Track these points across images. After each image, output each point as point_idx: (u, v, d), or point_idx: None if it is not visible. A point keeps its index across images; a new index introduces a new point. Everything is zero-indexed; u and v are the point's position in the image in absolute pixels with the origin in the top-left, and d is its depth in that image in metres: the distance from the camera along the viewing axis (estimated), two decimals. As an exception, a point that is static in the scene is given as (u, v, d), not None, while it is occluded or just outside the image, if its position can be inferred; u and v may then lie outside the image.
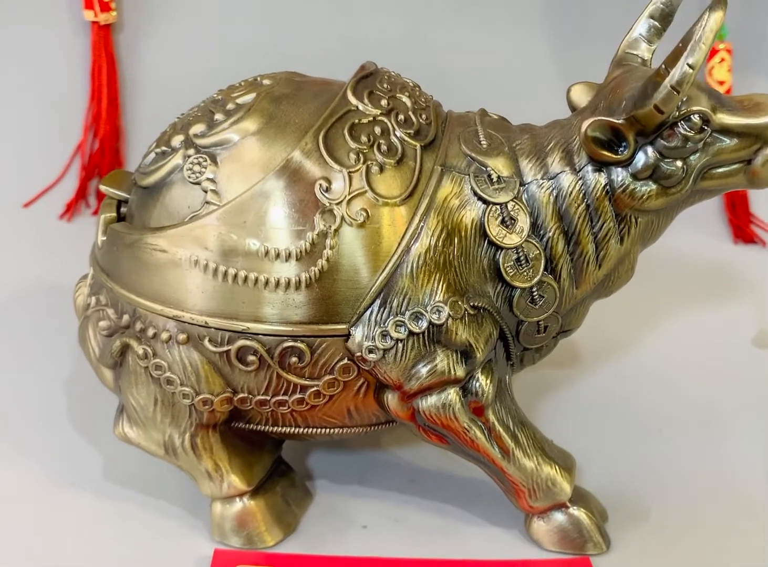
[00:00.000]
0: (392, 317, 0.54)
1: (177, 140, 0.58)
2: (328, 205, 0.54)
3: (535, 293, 0.57)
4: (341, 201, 0.54)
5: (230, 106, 0.58)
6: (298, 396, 0.56)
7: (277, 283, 0.53)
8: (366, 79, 0.58)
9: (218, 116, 0.57)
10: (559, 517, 0.60)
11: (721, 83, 1.05)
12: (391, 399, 0.56)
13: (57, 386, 0.76)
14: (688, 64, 0.51)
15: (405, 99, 0.58)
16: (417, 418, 0.57)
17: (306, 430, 0.58)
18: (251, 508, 0.60)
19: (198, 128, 0.57)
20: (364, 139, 0.55)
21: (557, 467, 0.59)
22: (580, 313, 0.61)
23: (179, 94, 1.02)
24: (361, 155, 0.55)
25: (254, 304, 0.54)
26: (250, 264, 0.53)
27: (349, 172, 0.54)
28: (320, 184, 0.54)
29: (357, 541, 0.61)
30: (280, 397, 0.56)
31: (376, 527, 0.62)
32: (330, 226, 0.53)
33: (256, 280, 0.53)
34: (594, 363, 0.79)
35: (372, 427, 0.59)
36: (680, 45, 0.52)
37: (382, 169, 0.55)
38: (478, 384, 0.56)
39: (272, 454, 0.62)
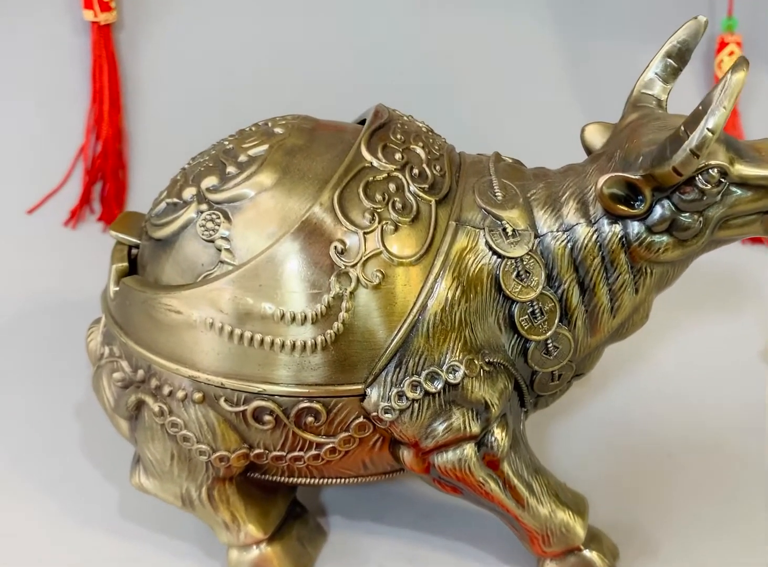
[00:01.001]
0: (408, 378, 0.54)
1: (189, 193, 0.57)
2: (343, 267, 0.53)
3: (550, 345, 0.57)
4: (357, 263, 0.53)
5: (242, 157, 0.57)
6: (314, 452, 0.56)
7: (293, 346, 0.53)
8: (379, 130, 0.58)
9: (230, 169, 0.57)
10: (572, 559, 0.61)
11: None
12: (407, 454, 0.57)
13: (67, 411, 0.76)
14: (708, 129, 0.50)
15: (419, 150, 0.58)
16: (432, 472, 0.57)
17: (321, 480, 0.59)
18: (268, 554, 0.61)
19: (210, 181, 0.57)
20: (378, 197, 0.55)
21: (571, 513, 0.59)
22: (594, 358, 0.61)
23: (181, 94, 1.02)
24: (376, 215, 0.54)
25: (270, 367, 0.54)
26: (265, 327, 0.53)
27: (365, 233, 0.54)
28: (335, 247, 0.53)
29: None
30: (296, 453, 0.56)
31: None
32: (345, 289, 0.53)
33: (272, 343, 0.53)
34: (602, 381, 0.79)
35: (386, 475, 0.60)
36: (700, 108, 0.51)
37: (397, 228, 0.54)
38: (493, 438, 0.56)
39: (287, 498, 0.62)
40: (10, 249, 0.95)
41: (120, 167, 1.01)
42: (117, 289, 0.59)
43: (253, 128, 0.60)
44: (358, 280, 0.53)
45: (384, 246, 0.54)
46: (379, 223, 0.54)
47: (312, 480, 0.59)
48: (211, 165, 0.58)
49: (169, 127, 1.02)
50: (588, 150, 0.61)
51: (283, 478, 0.59)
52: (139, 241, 0.61)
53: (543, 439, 0.61)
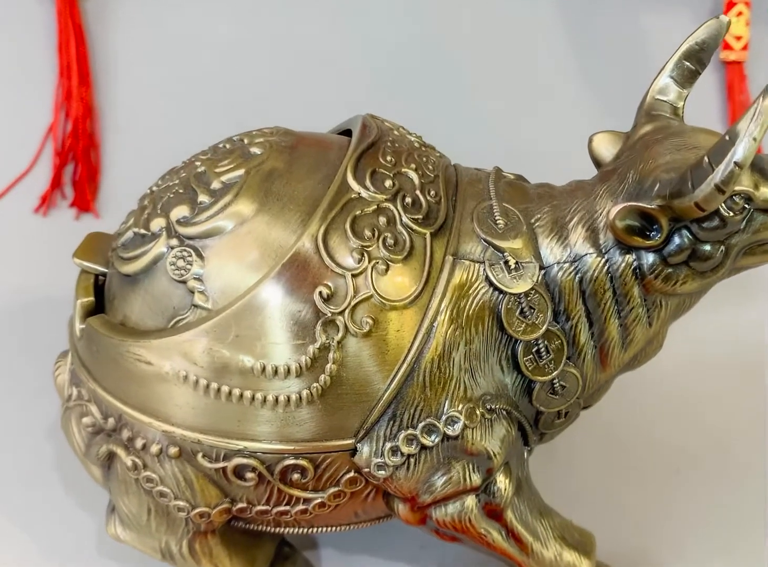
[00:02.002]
0: (403, 431, 0.49)
1: (157, 224, 0.52)
2: (329, 315, 0.48)
3: (556, 384, 0.52)
4: (344, 310, 0.48)
5: (215, 184, 0.51)
6: (301, 507, 0.52)
7: (276, 401, 0.49)
8: (368, 152, 0.52)
9: (203, 198, 0.51)
10: (578, 601, 0.57)
11: (739, 38, 0.98)
12: (402, 508, 0.53)
13: (39, 427, 0.72)
14: (735, 162, 0.45)
15: (411, 173, 0.52)
16: (429, 523, 0.53)
17: (310, 530, 0.55)
18: (256, 603, 0.57)
19: (180, 212, 0.51)
20: (368, 233, 0.49)
21: (577, 554, 0.56)
22: (603, 390, 0.56)
23: (154, 68, 0.95)
24: (365, 254, 0.49)
25: (251, 423, 0.49)
26: (244, 381, 0.48)
27: (353, 275, 0.49)
28: (320, 292, 0.48)
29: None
30: (281, 508, 0.52)
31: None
32: (332, 339, 0.48)
33: (253, 398, 0.49)
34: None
35: (380, 520, 0.56)
36: (726, 137, 0.46)
37: (388, 267, 0.49)
38: (496, 487, 0.52)
39: (274, 540, 0.59)
40: (-24, 239, 0.90)
41: (92, 147, 0.95)
42: (83, 327, 0.54)
43: (228, 146, 0.54)
44: (346, 328, 0.48)
45: (374, 289, 0.49)
46: (368, 262, 0.49)
47: (300, 530, 0.55)
48: (181, 191, 0.52)
49: (141, 103, 0.95)
50: (596, 162, 0.55)
51: (269, 528, 0.55)
52: (105, 270, 0.56)
53: (544, 459, 0.57)
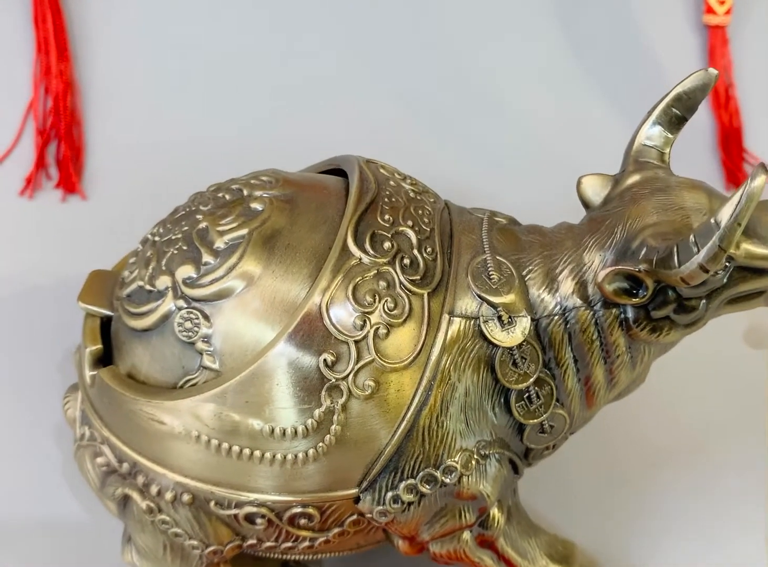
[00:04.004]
0: (403, 481, 0.53)
1: (163, 283, 0.53)
2: (333, 380, 0.51)
3: (545, 425, 0.55)
4: (348, 375, 0.51)
5: (219, 244, 0.53)
6: (307, 544, 0.56)
7: (284, 459, 0.52)
8: (366, 213, 0.53)
9: (207, 259, 0.53)
10: (562, 606, 0.62)
11: (722, 2, 0.98)
12: (401, 543, 0.56)
13: (45, 430, 0.74)
14: (719, 246, 0.47)
15: (408, 231, 0.54)
16: (425, 554, 0.57)
17: (314, 557, 0.59)
18: (265, 619, 0.61)
19: (186, 271, 0.53)
20: (368, 299, 0.51)
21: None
22: (587, 420, 0.60)
23: (135, 40, 0.94)
24: (366, 320, 0.51)
25: (261, 478, 0.52)
26: (253, 442, 0.51)
27: (356, 341, 0.51)
28: (325, 359, 0.51)
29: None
30: (289, 544, 0.56)
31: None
32: (337, 402, 0.51)
33: (262, 456, 0.52)
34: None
35: (380, 544, 0.60)
36: (712, 221, 0.48)
37: (389, 331, 0.51)
38: (489, 520, 0.56)
39: (279, 560, 0.63)
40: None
41: (75, 125, 0.94)
42: (93, 373, 0.56)
43: (228, 196, 0.56)
44: (349, 391, 0.51)
45: (376, 353, 0.51)
46: (370, 327, 0.51)
47: (305, 557, 0.59)
48: (185, 248, 0.54)
49: (123, 77, 0.94)
50: (584, 203, 0.57)
51: (275, 557, 0.59)
52: (110, 313, 0.58)
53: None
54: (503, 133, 0.91)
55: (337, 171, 0.59)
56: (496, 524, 0.56)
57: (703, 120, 0.96)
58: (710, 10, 0.97)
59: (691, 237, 0.48)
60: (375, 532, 0.56)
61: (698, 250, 0.48)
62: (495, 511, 0.56)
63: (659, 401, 0.76)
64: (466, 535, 0.56)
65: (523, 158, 0.90)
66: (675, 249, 0.49)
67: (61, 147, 0.93)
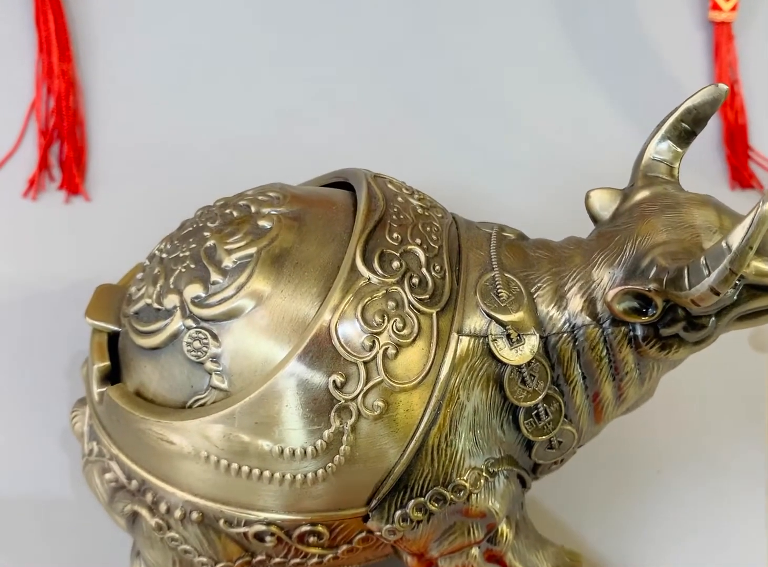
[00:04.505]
0: (412, 500, 0.53)
1: (171, 302, 0.53)
2: (343, 401, 0.51)
3: (554, 441, 0.56)
4: (357, 396, 0.51)
5: (227, 263, 0.53)
6: (316, 560, 0.56)
7: (293, 479, 0.52)
8: (374, 231, 0.53)
9: (215, 278, 0.52)
10: (568, 616, 0.62)
11: None
12: (410, 560, 0.57)
13: (51, 441, 0.74)
14: (730, 269, 0.47)
15: (417, 250, 0.53)
16: (435, 568, 0.58)
17: (323, 570, 0.59)
18: (274, 629, 0.62)
19: (194, 291, 0.53)
20: (377, 319, 0.51)
21: None
22: (595, 434, 0.60)
23: (138, 39, 0.94)
24: (375, 341, 0.51)
25: (270, 497, 0.52)
26: (263, 463, 0.51)
27: (365, 362, 0.51)
28: (334, 381, 0.51)
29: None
30: (298, 560, 0.56)
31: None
32: (346, 423, 0.51)
33: (271, 476, 0.52)
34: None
35: (389, 557, 0.60)
36: (723, 244, 0.47)
37: (397, 352, 0.51)
38: (497, 535, 0.56)
39: None
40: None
41: (77, 125, 0.94)
42: (102, 390, 0.56)
43: (235, 213, 0.55)
44: (359, 412, 0.51)
45: (385, 374, 0.51)
46: (379, 348, 0.51)
47: (314, 571, 0.59)
48: (192, 267, 0.54)
49: (126, 77, 0.94)
50: (593, 218, 0.57)
51: (285, 569, 0.59)
52: (118, 329, 0.58)
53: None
54: (506, 135, 0.90)
55: (343, 184, 0.59)
56: (504, 539, 0.57)
57: (707, 117, 0.95)
58: (716, 7, 0.96)
59: (702, 259, 0.48)
60: (383, 548, 0.57)
61: (709, 273, 0.48)
62: (503, 527, 0.56)
63: (663, 406, 0.76)
64: (475, 551, 0.56)
65: (527, 160, 0.90)
66: (686, 271, 0.49)
67: (64, 148, 0.93)
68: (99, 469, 0.57)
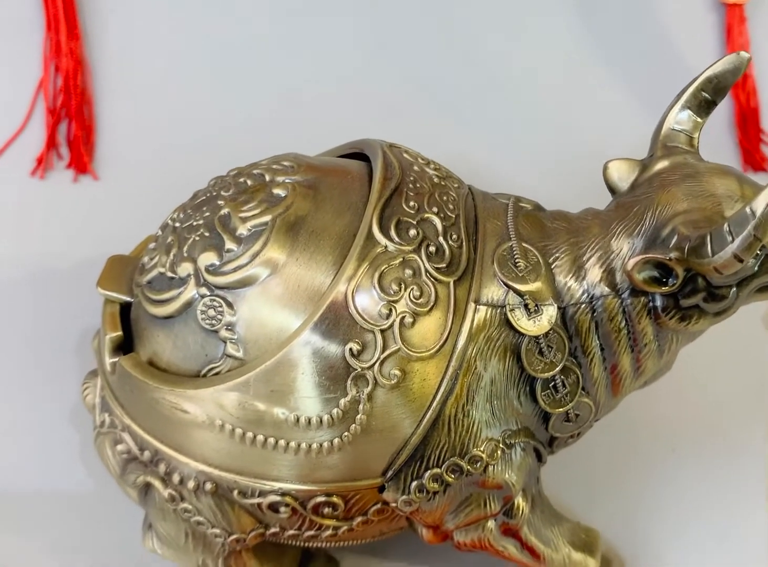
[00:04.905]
0: (429, 471, 0.52)
1: (185, 270, 0.52)
2: (359, 370, 0.50)
3: (571, 413, 0.55)
4: (374, 364, 0.50)
5: (241, 230, 0.52)
6: (330, 532, 0.55)
7: (309, 448, 0.51)
8: (391, 199, 0.52)
9: (230, 245, 0.52)
10: (584, 593, 0.62)
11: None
12: (425, 532, 0.56)
13: (61, 416, 0.73)
14: (754, 235, 0.46)
15: (434, 218, 0.53)
16: (449, 542, 0.57)
17: (336, 544, 0.58)
18: (286, 605, 0.61)
19: (208, 259, 0.52)
20: (394, 287, 0.51)
21: (584, 555, 0.60)
22: (612, 408, 0.59)
23: (145, 16, 0.93)
24: (392, 309, 0.50)
25: (285, 467, 0.52)
26: (278, 431, 0.51)
27: (381, 330, 0.50)
28: (351, 349, 0.50)
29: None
30: (312, 532, 0.55)
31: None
32: (363, 391, 0.50)
33: (287, 445, 0.51)
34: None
35: (401, 530, 0.60)
36: (747, 210, 0.47)
37: (414, 320, 0.51)
38: (513, 508, 0.56)
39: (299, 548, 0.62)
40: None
41: (85, 104, 0.93)
42: (114, 360, 0.55)
43: (249, 182, 0.55)
44: (375, 381, 0.50)
45: (401, 343, 0.50)
46: (395, 316, 0.50)
47: (326, 545, 0.58)
48: (207, 235, 0.53)
49: (134, 55, 0.93)
50: (611, 189, 0.56)
51: (297, 544, 0.58)
52: (130, 299, 0.57)
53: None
54: (517, 116, 0.90)
55: (358, 156, 0.58)
56: (520, 513, 0.56)
57: (720, 100, 0.95)
58: (725, -12, 0.95)
59: (725, 226, 0.47)
60: (398, 520, 0.56)
61: (732, 239, 0.47)
62: (519, 500, 0.56)
63: (679, 386, 0.75)
64: (491, 523, 0.56)
65: (540, 142, 0.89)
66: (708, 238, 0.48)
67: (72, 126, 0.92)
68: (111, 441, 0.57)
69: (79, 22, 0.91)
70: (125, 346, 0.56)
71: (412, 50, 0.89)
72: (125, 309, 0.58)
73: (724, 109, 0.96)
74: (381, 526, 0.56)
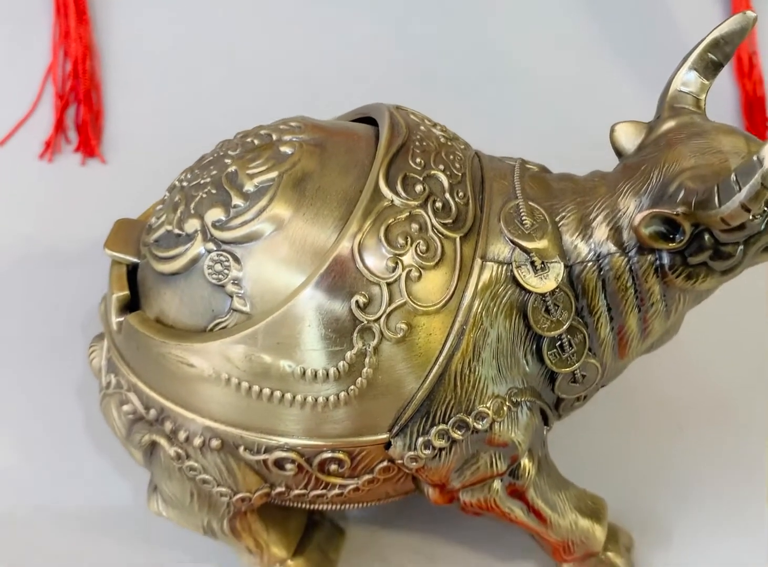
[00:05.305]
0: (435, 427, 0.52)
1: (191, 226, 0.53)
2: (366, 322, 0.50)
3: (577, 374, 0.55)
4: (380, 317, 0.50)
5: (248, 187, 0.52)
6: (337, 491, 0.55)
7: (315, 402, 0.51)
8: (397, 155, 0.53)
9: (237, 201, 0.52)
10: (591, 561, 0.61)
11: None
12: (431, 492, 0.56)
13: (68, 390, 0.74)
14: (762, 184, 0.46)
15: (441, 175, 0.53)
16: (455, 503, 0.57)
17: (342, 507, 0.58)
18: (291, 571, 0.61)
19: (215, 215, 0.52)
20: (401, 241, 0.51)
21: (590, 521, 0.60)
22: (619, 373, 0.59)
23: (154, 3, 0.93)
24: (398, 262, 0.50)
25: (291, 421, 0.52)
26: (284, 384, 0.51)
27: (388, 283, 0.50)
28: (357, 301, 0.50)
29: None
30: (318, 492, 0.55)
31: (411, 567, 0.64)
32: (369, 345, 0.50)
33: (293, 399, 0.51)
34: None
35: (407, 494, 0.59)
36: (755, 158, 0.47)
37: (421, 274, 0.51)
38: (519, 469, 0.56)
39: (304, 510, 0.62)
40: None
41: (93, 88, 0.94)
42: (120, 320, 0.55)
43: (256, 141, 0.55)
44: (381, 334, 0.50)
45: (408, 296, 0.50)
46: (402, 270, 0.50)
47: (332, 507, 0.58)
48: (214, 192, 0.53)
49: (142, 41, 0.94)
50: (618, 152, 0.56)
51: (303, 506, 0.58)
52: (137, 260, 0.57)
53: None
54: (519, 106, 0.90)
55: (365, 122, 0.59)
56: (526, 474, 0.56)
57: (726, 88, 0.95)
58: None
59: (733, 176, 0.47)
60: (404, 482, 0.56)
61: (740, 189, 0.47)
62: (525, 461, 0.56)
63: (685, 362, 0.76)
64: (497, 484, 0.55)
65: (540, 132, 0.89)
66: (716, 189, 0.48)
67: (80, 111, 0.92)
68: (117, 402, 0.57)
69: (88, 7, 0.92)
70: (132, 307, 0.56)
71: (412, 39, 0.89)
72: (132, 273, 0.58)
73: (731, 98, 0.97)
74: (387, 487, 0.56)
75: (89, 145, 0.92)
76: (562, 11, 0.91)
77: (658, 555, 0.65)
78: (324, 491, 0.55)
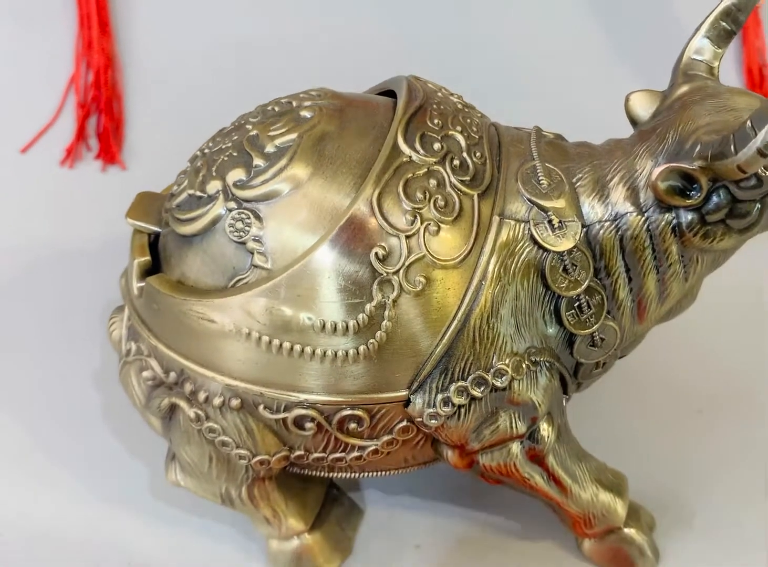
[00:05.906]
0: (454, 383, 0.52)
1: (213, 187, 0.53)
2: (385, 274, 0.50)
3: (596, 337, 0.55)
4: (399, 270, 0.51)
5: (269, 148, 0.53)
6: (356, 454, 0.55)
7: (335, 356, 0.51)
8: (415, 115, 0.53)
9: (258, 162, 0.53)
10: (611, 537, 0.61)
11: (754, -18, 0.98)
12: (450, 454, 0.55)
13: (86, 381, 0.74)
14: (777, 128, 0.47)
15: (458, 136, 0.54)
16: (475, 468, 0.56)
17: (361, 475, 0.58)
18: (308, 543, 0.60)
19: (236, 175, 0.53)
20: (419, 196, 0.51)
21: (611, 495, 0.59)
22: (638, 341, 0.59)
23: (176, 15, 0.96)
24: (417, 216, 0.51)
25: (310, 376, 0.52)
26: (304, 338, 0.51)
27: (407, 236, 0.51)
28: (376, 253, 0.50)
29: (411, 562, 0.62)
30: (337, 455, 0.55)
31: (429, 547, 0.63)
32: (388, 297, 0.51)
33: (313, 353, 0.51)
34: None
35: (426, 464, 0.59)
36: (769, 104, 0.47)
37: (439, 228, 0.51)
38: (539, 433, 0.55)
39: (323, 483, 0.62)
40: (5, 193, 0.90)
41: (115, 98, 0.96)
42: (142, 285, 0.56)
43: (276, 108, 0.56)
44: (401, 287, 0.51)
45: (426, 249, 0.51)
46: (420, 224, 0.51)
47: (352, 474, 0.58)
48: (235, 155, 0.54)
49: (163, 52, 0.96)
50: (633, 120, 0.57)
51: (322, 474, 0.58)
52: (159, 229, 0.58)
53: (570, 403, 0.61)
54: (519, 89, 0.91)
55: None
56: (546, 438, 0.55)
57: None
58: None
59: (748, 123, 0.48)
60: (423, 446, 0.56)
61: (755, 134, 0.47)
62: (545, 425, 0.55)
63: (704, 347, 0.76)
64: (516, 447, 0.55)
65: (540, 115, 0.90)
66: (731, 138, 0.49)
67: (102, 119, 0.94)
68: (136, 369, 0.57)
69: (111, 20, 0.94)
70: (152, 273, 0.57)
71: (412, 27, 0.91)
72: (153, 244, 0.59)
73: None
74: (406, 452, 0.56)
75: (110, 152, 0.94)
76: (569, 8, 0.93)
77: (678, 535, 0.64)
78: (343, 454, 0.55)
